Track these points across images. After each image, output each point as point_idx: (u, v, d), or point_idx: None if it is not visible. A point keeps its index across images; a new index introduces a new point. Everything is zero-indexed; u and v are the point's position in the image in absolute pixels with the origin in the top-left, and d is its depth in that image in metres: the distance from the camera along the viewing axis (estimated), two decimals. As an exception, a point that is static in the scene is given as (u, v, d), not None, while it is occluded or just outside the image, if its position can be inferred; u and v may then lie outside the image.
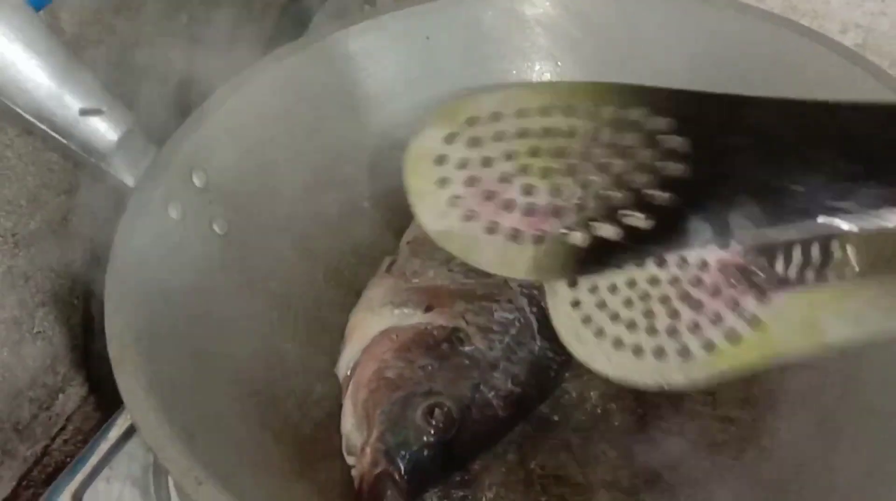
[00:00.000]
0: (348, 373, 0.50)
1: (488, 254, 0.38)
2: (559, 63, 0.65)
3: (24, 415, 0.67)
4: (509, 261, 0.37)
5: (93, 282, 0.70)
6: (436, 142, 0.40)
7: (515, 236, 0.37)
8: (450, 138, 0.40)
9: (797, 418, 0.50)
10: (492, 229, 0.38)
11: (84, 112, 0.50)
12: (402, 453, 0.45)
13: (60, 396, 0.70)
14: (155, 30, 0.69)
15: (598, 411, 0.52)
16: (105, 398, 0.73)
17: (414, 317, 0.51)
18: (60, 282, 0.67)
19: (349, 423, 0.48)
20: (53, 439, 0.71)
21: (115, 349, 0.45)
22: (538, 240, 0.37)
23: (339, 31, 0.61)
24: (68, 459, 0.67)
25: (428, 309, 0.51)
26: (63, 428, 0.71)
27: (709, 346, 0.36)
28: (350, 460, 0.47)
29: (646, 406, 0.52)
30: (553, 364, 0.52)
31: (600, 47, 0.64)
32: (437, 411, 0.47)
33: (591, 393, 0.52)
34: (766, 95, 0.58)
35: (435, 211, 0.39)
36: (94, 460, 0.56)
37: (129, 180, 0.53)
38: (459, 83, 0.65)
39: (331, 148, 0.62)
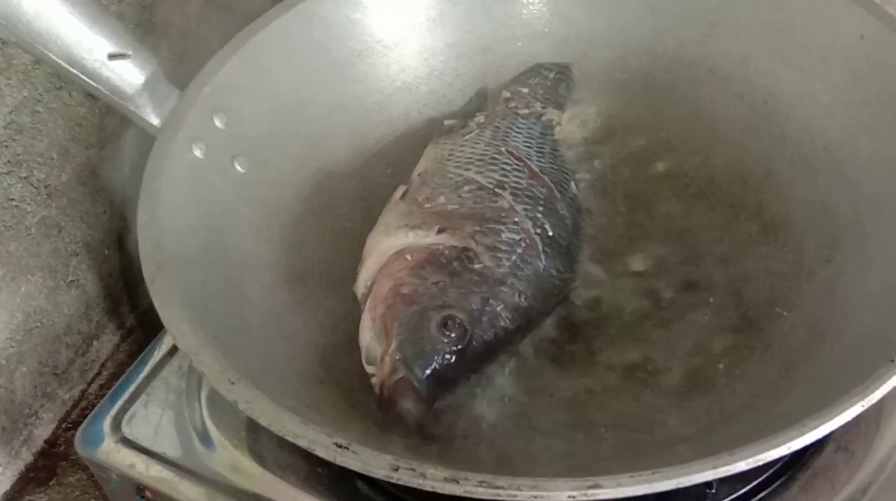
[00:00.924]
0: (366, 290, 0.53)
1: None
2: (559, 2, 0.68)
3: (62, 360, 0.71)
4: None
5: (123, 234, 0.74)
6: None
7: None
8: None
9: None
10: None
11: (112, 56, 0.53)
12: (419, 361, 0.48)
13: (95, 342, 0.74)
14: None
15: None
16: (137, 346, 0.76)
17: (427, 238, 0.54)
18: (92, 233, 0.71)
19: (368, 336, 0.51)
20: (90, 383, 0.74)
21: (148, 269, 0.48)
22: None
23: (346, -22, 0.64)
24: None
25: (440, 231, 0.54)
26: (98, 373, 0.75)
27: None
28: (370, 369, 0.50)
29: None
30: (556, 281, 0.55)
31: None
32: (450, 322, 0.49)
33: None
34: (755, 25, 0.61)
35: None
36: (131, 387, 0.59)
37: (155, 121, 0.56)
38: (462, 27, 0.68)
39: (341, 90, 0.65)
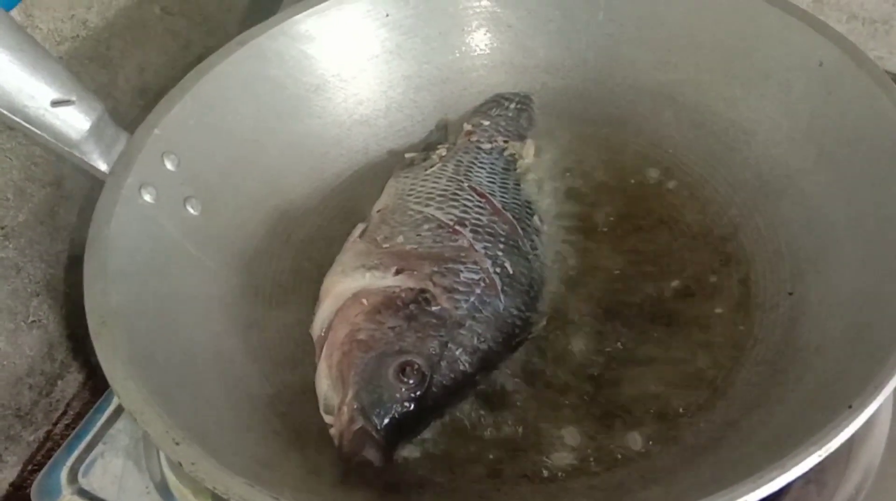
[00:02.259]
0: (322, 333, 0.52)
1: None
2: (516, 32, 0.67)
3: (25, 402, 0.69)
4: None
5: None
6: None
7: None
8: None
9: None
10: None
11: (55, 103, 0.52)
12: (377, 410, 0.47)
13: (59, 382, 0.73)
14: (128, 22, 0.71)
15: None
16: (104, 383, 0.75)
17: (384, 279, 0.53)
18: (52, 272, 0.69)
19: (325, 384, 0.50)
20: (55, 424, 0.73)
21: (93, 323, 0.47)
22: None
23: (297, 13, 0.63)
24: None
25: (398, 272, 0.53)
26: (64, 413, 0.73)
27: None
28: (328, 419, 0.49)
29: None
30: (517, 321, 0.54)
31: (553, 14, 0.66)
32: (407, 368, 0.49)
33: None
34: (715, 53, 0.61)
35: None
36: (88, 436, 0.58)
37: (104, 167, 0.55)
38: (420, 58, 0.67)
39: (298, 126, 0.64)
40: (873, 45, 0.77)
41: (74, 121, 0.53)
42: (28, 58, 0.51)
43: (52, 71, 0.52)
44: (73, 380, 0.74)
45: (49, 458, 0.70)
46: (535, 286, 0.56)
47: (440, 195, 0.58)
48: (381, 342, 0.50)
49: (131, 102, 0.73)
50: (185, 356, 0.51)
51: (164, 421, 0.43)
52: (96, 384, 0.76)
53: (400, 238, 0.56)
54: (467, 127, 0.66)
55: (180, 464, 0.42)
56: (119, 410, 0.59)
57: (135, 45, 0.72)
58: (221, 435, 0.46)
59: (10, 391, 0.68)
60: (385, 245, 0.56)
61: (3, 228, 0.64)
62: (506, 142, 0.64)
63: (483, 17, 0.67)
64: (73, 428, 0.72)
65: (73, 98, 0.52)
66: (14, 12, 0.59)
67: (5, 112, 0.51)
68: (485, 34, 0.68)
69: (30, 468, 0.71)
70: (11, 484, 0.70)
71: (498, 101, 0.68)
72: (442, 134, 0.67)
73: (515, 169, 0.63)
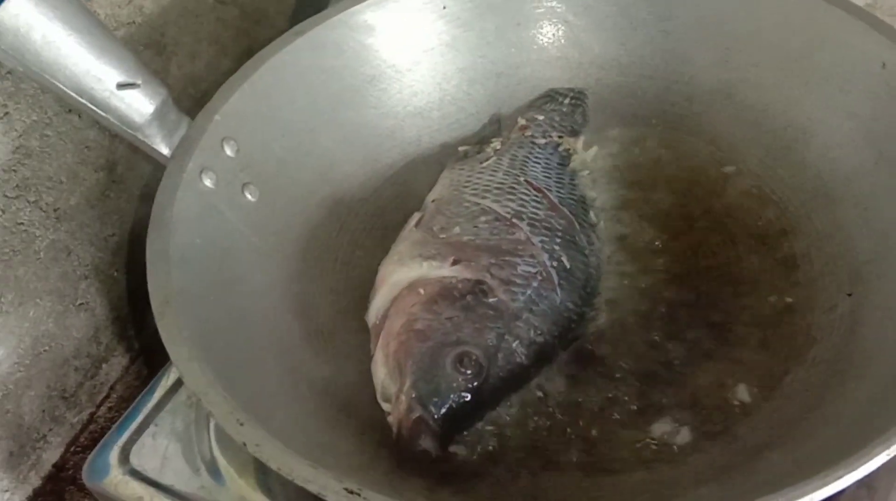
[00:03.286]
0: (377, 321, 0.53)
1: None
2: (573, 28, 0.67)
3: (71, 383, 0.70)
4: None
5: (132, 256, 0.73)
6: None
7: None
8: None
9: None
10: None
11: (121, 86, 0.52)
12: (435, 399, 0.48)
13: (104, 365, 0.73)
14: (181, 10, 0.72)
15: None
16: (146, 368, 0.76)
17: (441, 269, 0.53)
18: (100, 255, 0.70)
19: (382, 372, 0.50)
20: (98, 406, 0.74)
21: (157, 305, 0.47)
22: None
23: (356, 3, 0.63)
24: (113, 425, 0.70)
25: (455, 262, 0.53)
26: (107, 396, 0.74)
27: None
28: (385, 406, 0.49)
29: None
30: (573, 315, 0.54)
31: (610, 10, 0.66)
32: (465, 359, 0.49)
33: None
34: (773, 52, 0.61)
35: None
36: (139, 418, 0.58)
37: (165, 151, 0.56)
38: (475, 51, 0.67)
39: (353, 116, 0.64)
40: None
41: (139, 104, 0.54)
42: (96, 40, 0.52)
43: (118, 54, 0.53)
44: (116, 364, 0.75)
45: (92, 440, 0.71)
46: (592, 282, 0.56)
47: (497, 188, 0.58)
48: (439, 333, 0.50)
49: (182, 89, 0.73)
50: (244, 340, 0.51)
51: (229, 403, 0.43)
52: (140, 369, 0.76)
53: (457, 229, 0.56)
54: (521, 121, 0.66)
55: (245, 445, 0.42)
56: (170, 393, 0.59)
57: (187, 33, 0.73)
58: (281, 418, 0.46)
59: (57, 372, 0.68)
60: (442, 236, 0.56)
61: (56, 210, 0.65)
62: (560, 137, 0.64)
63: (540, 13, 0.67)
64: (117, 411, 0.73)
65: (139, 81, 0.53)
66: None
67: (72, 94, 0.52)
68: (540, 29, 0.68)
69: (73, 449, 0.71)
70: (54, 465, 0.70)
71: (552, 96, 0.68)
72: (495, 128, 0.67)
73: (570, 164, 0.63)
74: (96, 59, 0.52)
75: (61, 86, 0.51)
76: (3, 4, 0.48)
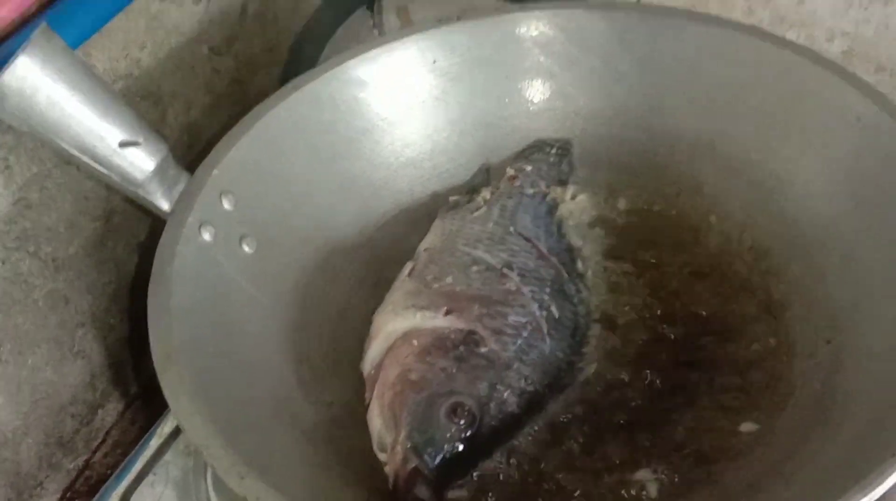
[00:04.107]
0: (372, 371, 0.54)
1: None
2: (559, 81, 0.69)
3: (67, 430, 0.71)
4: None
5: (128, 303, 0.74)
6: None
7: None
8: None
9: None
10: None
11: (123, 144, 0.54)
12: (430, 449, 0.49)
13: (100, 411, 0.74)
14: (178, 61, 0.73)
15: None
16: (141, 413, 0.77)
17: (435, 320, 0.55)
18: (97, 303, 0.71)
19: (378, 422, 0.51)
20: (94, 452, 0.74)
21: (159, 359, 0.49)
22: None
23: (350, 58, 0.66)
24: (109, 471, 0.70)
25: (448, 313, 0.55)
26: (103, 442, 0.75)
27: None
28: (382, 456, 0.50)
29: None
30: (563, 364, 0.55)
31: (595, 64, 0.68)
32: (458, 409, 0.50)
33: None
34: (753, 104, 0.63)
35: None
36: (138, 466, 0.59)
37: (165, 206, 0.57)
38: (465, 103, 0.69)
39: (347, 167, 0.66)
40: (901, 96, 0.79)
41: (140, 162, 0.55)
42: (99, 100, 0.53)
43: (120, 113, 0.54)
44: (112, 409, 0.75)
45: (87, 486, 0.71)
46: (580, 330, 0.57)
47: (488, 238, 0.60)
48: (432, 383, 0.51)
49: (178, 138, 0.75)
50: (243, 391, 0.52)
51: (230, 456, 0.45)
52: (135, 415, 0.77)
53: (449, 279, 0.57)
54: (510, 172, 0.67)
55: (247, 499, 0.43)
56: (168, 441, 0.60)
57: (183, 84, 0.74)
58: (280, 469, 0.47)
59: (54, 419, 0.69)
60: (435, 285, 0.57)
61: (54, 260, 0.66)
62: (548, 187, 0.66)
63: (526, 66, 0.69)
64: (112, 457, 0.73)
65: (140, 139, 0.54)
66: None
67: (76, 152, 0.53)
68: (528, 82, 0.70)
69: (68, 495, 0.72)
70: (51, 512, 0.71)
71: (539, 146, 0.70)
72: (485, 177, 0.69)
73: (558, 213, 0.65)
74: (99, 118, 0.53)
75: (65, 145, 0.53)
76: (10, 68, 0.49)
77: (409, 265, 0.60)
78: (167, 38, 0.71)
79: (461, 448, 0.50)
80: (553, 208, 0.65)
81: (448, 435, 0.50)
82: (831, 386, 0.53)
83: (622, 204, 0.66)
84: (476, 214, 0.63)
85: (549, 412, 0.53)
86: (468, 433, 0.50)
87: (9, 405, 0.64)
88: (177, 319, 0.51)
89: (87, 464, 0.73)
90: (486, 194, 0.66)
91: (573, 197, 0.66)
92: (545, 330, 0.55)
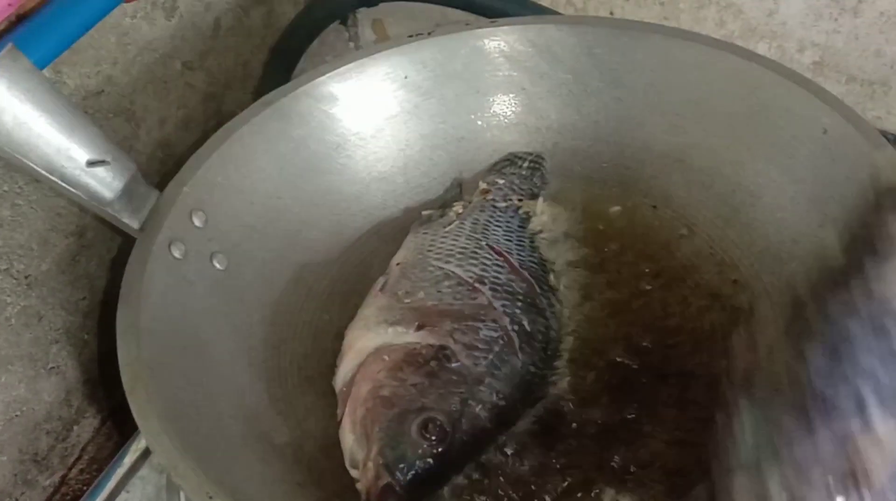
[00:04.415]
0: (344, 387, 0.54)
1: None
2: (530, 95, 0.70)
3: (42, 447, 0.70)
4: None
5: (102, 318, 0.74)
6: None
7: None
8: None
9: None
10: None
11: (91, 163, 0.54)
12: (401, 465, 0.49)
13: (75, 427, 0.73)
14: (150, 77, 0.73)
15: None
16: (117, 428, 0.76)
17: (406, 335, 0.55)
18: (72, 319, 0.71)
19: (349, 439, 0.51)
20: (70, 468, 0.74)
21: (128, 379, 0.49)
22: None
23: (321, 75, 0.66)
24: (85, 487, 0.70)
25: (419, 328, 0.55)
26: (79, 458, 0.74)
27: None
28: (354, 473, 0.51)
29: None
30: (535, 379, 0.56)
31: (565, 78, 0.68)
32: (430, 425, 0.50)
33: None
34: (722, 118, 0.64)
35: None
36: (112, 482, 0.59)
37: (135, 224, 0.57)
38: (436, 118, 0.70)
39: (320, 183, 0.66)
40: (871, 105, 0.80)
41: (109, 180, 0.55)
42: (66, 120, 0.53)
43: (88, 132, 0.54)
44: (88, 425, 0.75)
45: (63, 503, 0.71)
46: (552, 344, 0.58)
47: (460, 253, 0.60)
48: (404, 399, 0.51)
49: (151, 154, 0.75)
50: (213, 409, 0.52)
51: (198, 476, 0.45)
52: (110, 430, 0.77)
53: (421, 294, 0.57)
54: (482, 185, 0.68)
55: (216, 519, 0.43)
56: (141, 458, 0.60)
57: (156, 99, 0.74)
58: (251, 487, 0.48)
59: (28, 437, 0.68)
60: (406, 300, 0.57)
61: (27, 277, 0.66)
62: (520, 200, 0.66)
63: (498, 81, 0.70)
64: (88, 473, 0.73)
65: (108, 159, 0.54)
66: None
67: (43, 172, 0.53)
68: (499, 96, 0.70)
69: (44, 512, 0.72)
70: (26, 529, 0.70)
71: (511, 159, 0.70)
72: (457, 192, 0.69)
73: (529, 226, 0.65)
74: (67, 138, 0.53)
75: (32, 165, 0.52)
76: (-25, 89, 0.49)
77: (381, 280, 0.61)
78: (139, 53, 0.71)
79: (433, 463, 0.50)
80: (525, 221, 0.65)
81: (420, 451, 0.50)
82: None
83: (593, 217, 0.67)
84: (448, 228, 0.63)
85: (520, 427, 0.54)
86: (440, 449, 0.50)
87: (-18, 424, 0.64)
88: (146, 338, 0.51)
89: (62, 481, 0.73)
90: (458, 207, 0.66)
91: (545, 210, 0.66)
92: (517, 344, 0.55)
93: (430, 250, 0.61)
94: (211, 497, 0.44)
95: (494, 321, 0.56)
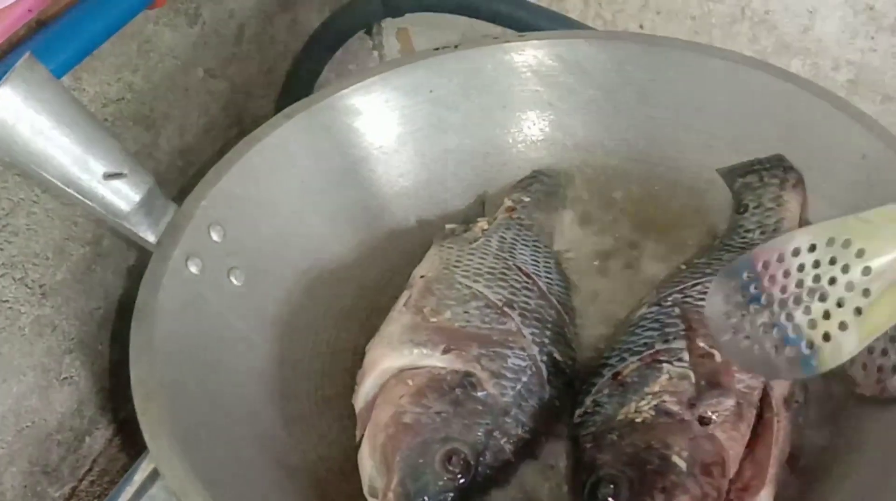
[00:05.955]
0: (364, 407, 0.53)
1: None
2: (557, 111, 0.68)
3: (53, 458, 0.69)
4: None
5: (117, 328, 0.73)
6: None
7: None
8: None
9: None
10: None
11: (108, 176, 0.53)
12: (423, 498, 0.48)
13: (87, 438, 0.73)
14: (171, 84, 0.72)
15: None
16: (129, 440, 0.75)
17: (432, 358, 0.53)
18: (85, 329, 0.70)
19: (369, 465, 0.50)
20: (81, 480, 0.73)
21: (139, 399, 0.48)
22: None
23: (344, 87, 0.65)
24: (95, 499, 0.70)
25: (445, 351, 0.53)
26: (90, 470, 0.73)
27: None
28: (372, 501, 0.50)
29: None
30: (561, 412, 0.54)
31: (594, 95, 0.67)
32: (454, 457, 0.49)
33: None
34: (755, 138, 0.62)
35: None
36: (124, 498, 0.58)
37: (151, 238, 0.56)
38: (461, 133, 0.68)
39: (341, 197, 0.65)
40: (907, 126, 0.78)
41: (125, 193, 0.54)
42: (83, 131, 0.52)
43: (105, 144, 0.53)
44: (100, 436, 0.74)
45: (73, 515, 0.70)
46: (575, 372, 0.56)
47: (488, 272, 0.59)
48: (427, 428, 0.50)
49: (171, 163, 0.74)
50: (226, 431, 0.51)
51: (206, 501, 0.43)
52: (122, 442, 0.76)
53: (448, 313, 0.56)
54: (508, 203, 0.66)
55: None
56: (152, 477, 0.59)
57: (177, 107, 0.73)
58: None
59: (39, 448, 0.68)
60: (433, 319, 0.55)
61: (41, 286, 0.65)
62: (546, 218, 0.65)
63: (525, 96, 0.68)
64: (99, 485, 0.72)
65: (125, 171, 0.53)
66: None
67: (59, 184, 0.52)
68: (526, 112, 0.69)
69: (53, 524, 0.71)
70: (35, 541, 0.70)
71: (537, 177, 0.69)
72: (480, 207, 0.68)
73: (553, 248, 0.63)
74: (84, 150, 0.52)
75: (48, 176, 0.52)
76: (-8, 98, 0.48)
77: (405, 294, 0.59)
78: (161, 60, 0.70)
79: (454, 496, 0.48)
80: (550, 241, 0.64)
81: (441, 484, 0.48)
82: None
83: (620, 236, 0.65)
84: (474, 244, 0.61)
85: (540, 460, 0.52)
86: (462, 482, 0.49)
87: (-8, 435, 0.63)
88: (159, 356, 0.50)
89: (73, 492, 0.72)
90: (483, 223, 0.64)
91: (571, 228, 0.65)
92: (545, 376, 0.54)
93: (456, 266, 0.60)
94: (221, 525, 0.43)
95: (523, 349, 0.54)
